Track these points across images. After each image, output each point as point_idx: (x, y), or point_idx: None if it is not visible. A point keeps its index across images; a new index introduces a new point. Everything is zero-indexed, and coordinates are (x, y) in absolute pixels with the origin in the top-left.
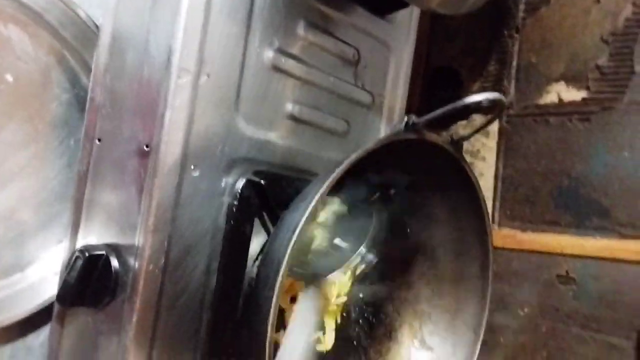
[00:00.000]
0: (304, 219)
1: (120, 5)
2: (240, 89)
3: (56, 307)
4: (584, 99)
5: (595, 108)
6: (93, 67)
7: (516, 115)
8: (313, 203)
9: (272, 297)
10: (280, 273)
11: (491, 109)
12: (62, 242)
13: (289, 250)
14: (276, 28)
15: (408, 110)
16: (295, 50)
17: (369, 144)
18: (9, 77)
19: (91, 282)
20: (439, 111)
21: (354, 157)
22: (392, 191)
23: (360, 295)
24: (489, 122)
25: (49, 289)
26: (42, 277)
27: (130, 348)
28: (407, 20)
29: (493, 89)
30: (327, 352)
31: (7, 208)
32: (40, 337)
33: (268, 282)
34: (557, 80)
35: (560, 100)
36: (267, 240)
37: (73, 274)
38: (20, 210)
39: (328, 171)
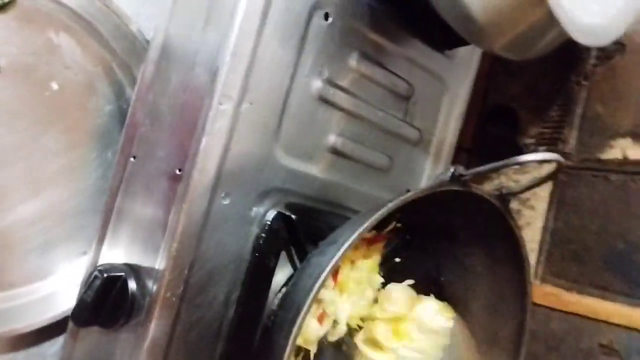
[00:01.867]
0: (330, 266)
1: (173, 21)
2: (282, 119)
3: (71, 322)
4: None
5: None
6: (138, 81)
7: (575, 167)
8: (342, 250)
9: (287, 346)
10: (297, 323)
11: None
12: (86, 254)
13: (309, 300)
14: (328, 58)
15: (459, 148)
16: (345, 82)
17: (410, 193)
18: (55, 85)
19: (107, 302)
20: (488, 166)
21: (391, 205)
22: (408, 236)
23: None
24: (544, 182)
25: (67, 301)
26: (62, 288)
27: None
28: (468, 57)
29: (552, 137)
30: None
31: (35, 214)
32: (55, 347)
33: (284, 328)
34: (623, 135)
35: (625, 157)
36: (290, 276)
37: (90, 293)
38: (48, 218)
39: (362, 215)
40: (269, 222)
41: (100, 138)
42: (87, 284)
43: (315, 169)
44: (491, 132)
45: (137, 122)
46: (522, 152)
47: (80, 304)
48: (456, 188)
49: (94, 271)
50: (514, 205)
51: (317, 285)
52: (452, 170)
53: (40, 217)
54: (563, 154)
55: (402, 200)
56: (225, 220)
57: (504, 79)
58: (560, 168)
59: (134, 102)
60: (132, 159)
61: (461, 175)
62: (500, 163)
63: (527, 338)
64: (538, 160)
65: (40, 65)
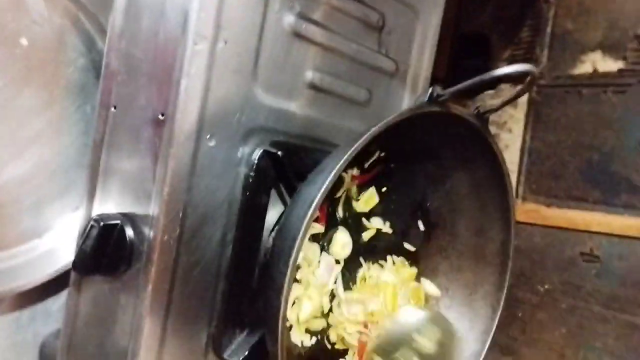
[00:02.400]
0: (320, 193)
1: None
2: (258, 57)
3: (73, 274)
4: (620, 70)
5: (632, 80)
6: (108, 31)
7: (547, 85)
8: (330, 177)
9: (287, 272)
10: (295, 248)
11: (521, 80)
12: (79, 209)
13: (304, 226)
14: None
15: (434, 79)
16: (317, 15)
17: (391, 117)
18: (24, 41)
19: (107, 251)
20: (466, 83)
21: (374, 129)
22: (392, 165)
23: None
24: (519, 95)
25: (67, 255)
26: (60, 244)
27: (146, 316)
28: None
29: (525, 57)
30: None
31: (24, 174)
32: (59, 302)
33: (283, 256)
34: (593, 49)
35: (595, 70)
36: (283, 212)
37: (88, 243)
38: (37, 177)
39: (346, 144)
40: (255, 161)
41: (77, 92)
42: (85, 234)
43: (295, 106)
44: (464, 64)
45: (113, 72)
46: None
47: (81, 253)
48: (435, 109)
49: (89, 222)
50: (492, 129)
51: (310, 211)
52: (430, 90)
53: (28, 177)
54: None
55: (384, 124)
56: (213, 161)
57: (474, 6)
58: (534, 79)
59: (107, 52)
60: (112, 109)
61: (439, 96)
62: (477, 78)
63: (512, 253)
64: (512, 72)
65: (7, 23)
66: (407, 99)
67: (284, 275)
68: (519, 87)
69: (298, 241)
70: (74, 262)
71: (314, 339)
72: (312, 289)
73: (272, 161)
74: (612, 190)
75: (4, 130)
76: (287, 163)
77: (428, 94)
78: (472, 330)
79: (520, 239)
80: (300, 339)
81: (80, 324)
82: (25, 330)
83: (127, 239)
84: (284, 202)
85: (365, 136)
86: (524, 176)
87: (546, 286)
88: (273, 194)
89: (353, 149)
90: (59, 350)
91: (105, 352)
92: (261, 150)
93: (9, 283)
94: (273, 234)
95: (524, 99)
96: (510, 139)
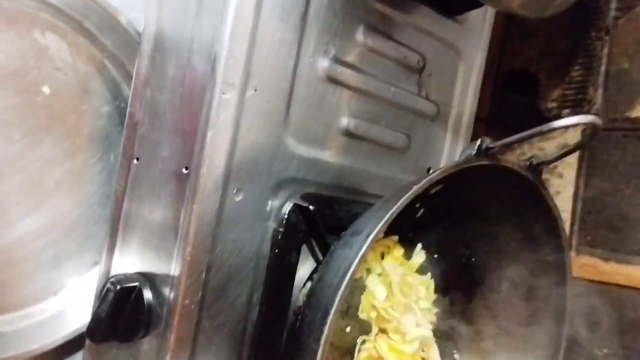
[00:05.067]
0: (356, 262)
1: (164, 9)
2: (290, 104)
3: (87, 340)
4: None
5: None
6: (134, 78)
7: (603, 128)
8: (368, 242)
9: (318, 350)
10: (327, 324)
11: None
12: (97, 264)
13: (338, 298)
14: (332, 34)
15: (475, 119)
16: (352, 58)
17: (435, 172)
18: (46, 89)
19: (123, 315)
20: (517, 136)
21: (416, 188)
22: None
23: None
24: (578, 148)
25: (82, 316)
26: (76, 302)
27: None
28: (480, 21)
29: (577, 98)
30: None
31: (42, 227)
32: None
33: (313, 331)
34: None
35: None
36: (314, 270)
37: (104, 308)
38: (55, 230)
39: (384, 200)
40: (285, 216)
41: (100, 142)
42: (101, 297)
43: (329, 155)
44: (509, 100)
45: (137, 121)
46: (544, 117)
47: (95, 319)
48: (484, 163)
49: (106, 283)
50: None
51: (344, 282)
52: (478, 143)
53: (46, 230)
54: None
55: (428, 180)
56: (240, 217)
57: (519, 41)
58: (596, 131)
59: (131, 100)
60: (135, 161)
61: (488, 149)
62: (532, 131)
63: (568, 316)
64: (573, 124)
65: (28, 69)
66: (448, 143)
67: (315, 353)
68: (571, 133)
69: (331, 315)
70: (89, 329)
71: None
72: None
73: (303, 215)
74: None
75: (22, 182)
76: (319, 217)
77: (476, 147)
78: None
79: (574, 296)
80: None
81: None
82: None
83: (145, 302)
84: (316, 259)
85: (409, 193)
86: (577, 226)
87: (605, 350)
88: (304, 248)
89: (394, 208)
90: None
91: None
92: (292, 204)
93: (21, 347)
94: (304, 290)
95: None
96: (562, 184)
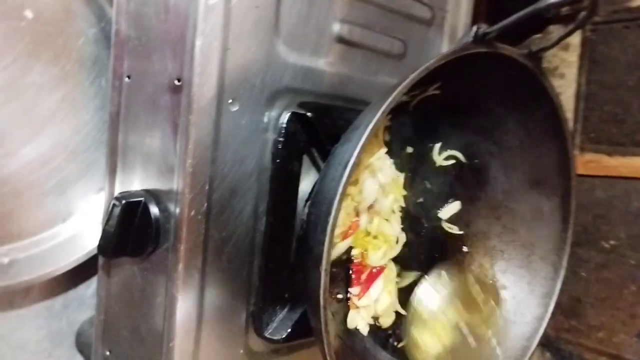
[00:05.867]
0: (357, 150)
1: None
2: (279, 9)
3: (100, 258)
4: None
5: None
6: None
7: (603, 22)
8: (367, 132)
9: (325, 240)
10: (332, 214)
11: (574, 18)
12: (103, 189)
13: (341, 188)
14: None
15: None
16: None
17: (432, 61)
18: (29, 13)
19: (131, 230)
20: (513, 17)
21: (413, 76)
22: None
23: None
24: (574, 30)
25: (94, 239)
26: (85, 227)
27: (179, 297)
28: None
29: None
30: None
31: (42, 156)
32: (91, 288)
33: (319, 223)
34: None
35: None
36: (316, 182)
37: (112, 223)
38: (56, 158)
39: (383, 95)
40: (284, 125)
41: (90, 66)
42: (108, 214)
43: (323, 63)
44: (507, 9)
45: (124, 38)
46: (542, 18)
47: (105, 235)
48: (481, 49)
49: (111, 201)
50: None
51: (347, 170)
52: (474, 29)
53: (46, 159)
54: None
55: (424, 68)
56: (238, 128)
57: None
58: (594, 9)
59: (115, 16)
60: (126, 79)
61: (485, 34)
62: (529, 9)
63: (574, 208)
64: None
65: None
66: (445, 50)
67: (322, 243)
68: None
69: (335, 205)
70: (99, 245)
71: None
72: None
73: (302, 124)
74: None
75: (17, 110)
76: (318, 125)
77: (472, 33)
78: (532, 293)
79: (580, 193)
80: (360, 324)
81: (113, 309)
82: (60, 319)
83: (152, 216)
84: (318, 168)
85: (403, 84)
86: (580, 124)
87: (612, 242)
88: (306, 160)
89: (390, 99)
90: (93, 338)
91: (141, 337)
92: (289, 113)
93: (36, 270)
94: (308, 203)
95: (576, 39)
96: (563, 85)
